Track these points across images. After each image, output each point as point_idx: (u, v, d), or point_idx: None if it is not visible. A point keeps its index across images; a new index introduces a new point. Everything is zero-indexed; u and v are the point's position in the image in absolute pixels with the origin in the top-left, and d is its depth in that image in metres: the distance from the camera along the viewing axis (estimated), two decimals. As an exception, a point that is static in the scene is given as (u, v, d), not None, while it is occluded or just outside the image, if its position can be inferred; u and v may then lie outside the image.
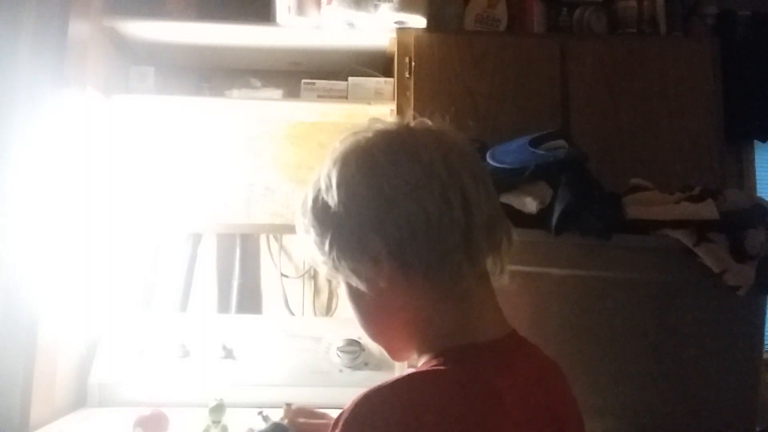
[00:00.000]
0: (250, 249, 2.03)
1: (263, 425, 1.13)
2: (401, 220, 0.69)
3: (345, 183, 0.72)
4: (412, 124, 0.80)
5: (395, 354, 0.80)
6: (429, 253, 0.69)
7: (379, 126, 0.79)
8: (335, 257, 0.73)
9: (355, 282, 0.74)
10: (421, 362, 0.74)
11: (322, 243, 0.74)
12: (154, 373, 1.60)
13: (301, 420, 1.12)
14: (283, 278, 2.02)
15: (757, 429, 1.38)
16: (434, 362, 0.69)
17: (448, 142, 0.78)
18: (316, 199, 0.75)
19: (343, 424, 0.61)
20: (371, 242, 0.70)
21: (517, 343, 0.76)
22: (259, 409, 1.23)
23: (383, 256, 0.70)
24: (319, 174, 0.77)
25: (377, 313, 0.76)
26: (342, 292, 0.82)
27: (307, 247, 0.78)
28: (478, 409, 0.61)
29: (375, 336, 0.79)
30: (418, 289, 0.72)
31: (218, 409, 1.31)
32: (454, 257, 0.70)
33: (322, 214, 0.74)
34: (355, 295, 0.77)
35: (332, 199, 0.72)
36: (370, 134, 0.78)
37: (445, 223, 0.69)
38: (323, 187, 0.74)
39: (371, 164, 0.72)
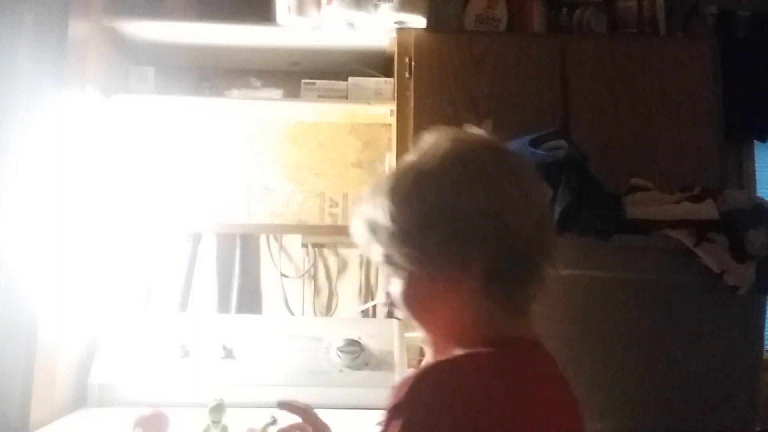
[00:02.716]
0: (250, 249, 2.03)
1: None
2: (503, 237, 0.74)
3: (464, 191, 0.75)
4: (499, 142, 0.84)
5: (430, 341, 0.83)
6: (519, 270, 0.76)
7: (481, 137, 0.84)
8: (423, 251, 0.76)
9: (429, 277, 0.77)
10: (457, 351, 0.78)
11: (413, 235, 0.76)
12: (154, 373, 1.60)
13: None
14: (283, 278, 2.02)
15: (757, 429, 1.38)
16: (480, 349, 0.74)
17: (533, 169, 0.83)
18: (419, 191, 0.77)
19: (410, 388, 0.67)
20: (469, 251, 0.74)
21: (542, 344, 0.81)
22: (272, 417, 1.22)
23: (475, 265, 0.75)
24: (426, 165, 0.78)
25: (437, 309, 0.79)
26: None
27: (368, 226, 0.81)
28: (522, 386, 0.71)
29: (424, 322, 0.82)
30: (487, 295, 0.76)
31: (218, 409, 1.30)
32: (538, 276, 0.77)
33: (426, 208, 0.76)
34: (419, 287, 0.79)
35: (445, 200, 0.75)
36: (481, 142, 0.82)
37: (536, 245, 0.76)
38: (434, 181, 0.77)
39: (489, 179, 0.76)
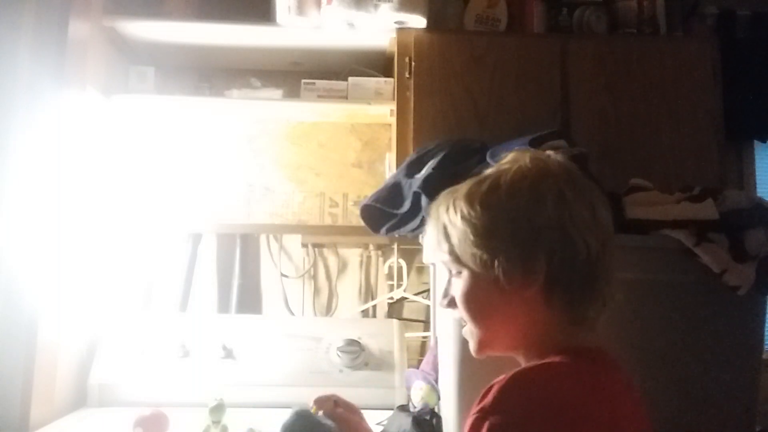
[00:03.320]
0: (250, 249, 2.03)
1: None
2: (569, 250, 0.79)
3: (536, 201, 0.80)
4: (574, 165, 0.88)
5: (485, 350, 0.87)
6: (581, 286, 0.80)
7: (558, 159, 0.87)
8: (492, 254, 0.80)
9: (494, 280, 0.81)
10: (523, 359, 0.84)
11: (484, 237, 0.81)
12: (154, 373, 1.60)
13: (339, 410, 1.14)
14: (283, 278, 2.02)
15: (757, 429, 1.38)
16: (552, 358, 0.77)
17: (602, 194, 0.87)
18: (496, 197, 0.82)
19: (499, 393, 0.71)
20: (535, 259, 0.79)
21: (607, 354, 0.84)
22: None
23: (539, 274, 0.79)
24: (504, 176, 0.84)
25: (498, 312, 0.83)
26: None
27: (440, 227, 0.86)
28: (604, 396, 0.75)
29: (480, 322, 0.85)
30: (547, 304, 0.80)
31: (218, 409, 1.30)
32: (599, 296, 0.81)
33: (499, 214, 0.81)
34: (481, 289, 0.83)
35: (517, 207, 0.80)
36: (562, 164, 0.85)
37: (599, 265, 0.80)
38: (510, 189, 0.82)
39: (561, 194, 0.80)
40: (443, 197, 0.89)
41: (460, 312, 0.86)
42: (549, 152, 0.88)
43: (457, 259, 0.84)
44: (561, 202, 0.80)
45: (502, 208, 0.81)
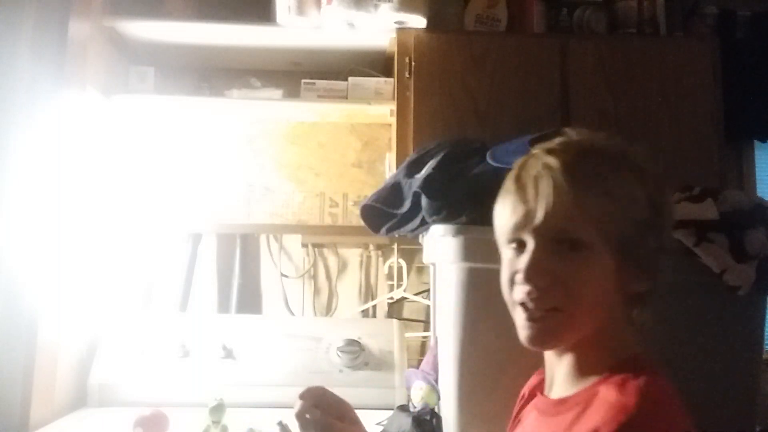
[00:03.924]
0: (250, 249, 2.03)
1: None
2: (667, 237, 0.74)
3: (666, 198, 0.76)
4: None
5: (563, 342, 0.75)
6: (654, 280, 0.74)
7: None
8: (637, 238, 0.72)
9: (617, 266, 0.71)
10: (594, 367, 0.73)
11: (656, 213, 0.73)
12: (154, 373, 1.60)
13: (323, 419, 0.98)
14: (283, 278, 2.02)
15: (757, 429, 1.38)
16: (630, 371, 0.70)
17: None
18: (654, 176, 0.74)
19: (631, 421, 0.63)
20: (663, 254, 0.74)
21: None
22: (279, 419, 1.19)
23: (658, 273, 0.73)
24: (631, 148, 0.76)
25: (601, 303, 0.73)
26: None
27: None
28: (682, 407, 0.68)
29: (582, 318, 0.72)
30: (624, 301, 0.74)
31: (218, 409, 1.31)
32: (654, 290, 0.75)
33: (649, 200, 0.73)
34: (603, 273, 0.71)
35: (659, 190, 0.74)
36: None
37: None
38: (651, 171, 0.75)
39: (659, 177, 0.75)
40: (567, 150, 0.75)
41: (567, 297, 0.71)
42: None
43: (595, 228, 0.69)
44: (664, 186, 0.75)
45: (650, 192, 0.72)
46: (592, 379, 0.72)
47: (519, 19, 1.84)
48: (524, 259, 0.72)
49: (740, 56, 2.03)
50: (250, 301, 2.00)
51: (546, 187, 0.71)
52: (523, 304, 0.73)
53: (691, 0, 2.02)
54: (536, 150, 0.77)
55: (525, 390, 0.92)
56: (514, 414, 0.92)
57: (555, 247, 0.71)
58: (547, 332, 0.73)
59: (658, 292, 0.76)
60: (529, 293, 0.72)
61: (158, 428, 1.32)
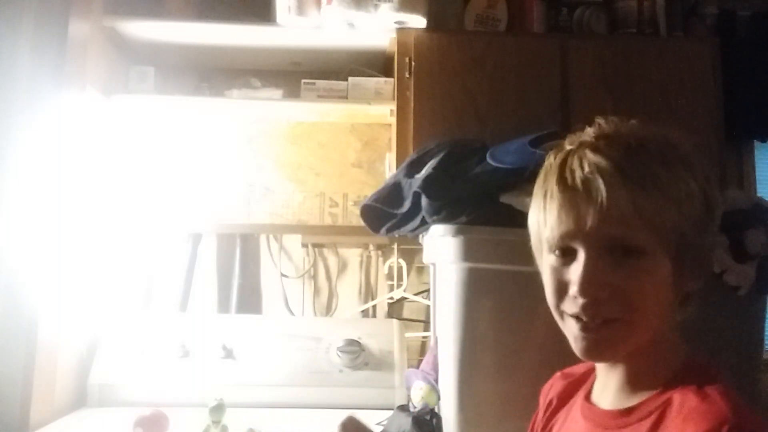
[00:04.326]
0: (250, 249, 2.03)
1: None
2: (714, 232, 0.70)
3: (711, 179, 0.70)
4: None
5: (628, 347, 0.69)
6: (702, 279, 0.70)
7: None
8: (694, 236, 0.67)
9: (678, 267, 0.67)
10: (651, 375, 0.70)
11: (709, 211, 0.68)
12: (154, 373, 1.60)
13: None
14: (283, 278, 2.02)
15: (758, 429, 1.38)
16: (698, 378, 0.66)
17: None
18: (702, 171, 0.69)
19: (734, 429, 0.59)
20: (715, 249, 0.71)
21: None
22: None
23: (710, 269, 0.69)
24: (680, 140, 0.72)
25: (664, 307, 0.68)
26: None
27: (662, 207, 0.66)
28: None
29: (647, 326, 0.68)
30: (678, 303, 0.70)
31: (218, 409, 1.31)
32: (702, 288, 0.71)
33: (701, 193, 0.68)
34: (664, 276, 0.66)
35: (709, 183, 0.69)
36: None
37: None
38: (699, 164, 0.70)
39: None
40: (611, 147, 0.68)
41: (631, 305, 0.66)
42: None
43: (654, 232, 0.64)
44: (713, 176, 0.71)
45: (701, 184, 0.67)
46: (653, 388, 0.68)
47: (519, 19, 1.84)
48: (577, 270, 0.67)
49: (740, 56, 2.03)
50: (250, 301, 2.00)
51: (598, 191, 0.65)
52: (576, 316, 0.68)
53: (691, 0, 2.02)
54: (573, 144, 0.71)
55: (552, 396, 0.86)
56: (542, 422, 0.87)
57: (609, 254, 0.66)
58: (604, 343, 0.68)
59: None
60: (584, 306, 0.67)
61: (158, 428, 1.32)
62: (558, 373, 0.84)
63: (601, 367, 0.76)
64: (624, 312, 0.66)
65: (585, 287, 0.66)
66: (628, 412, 0.69)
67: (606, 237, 0.65)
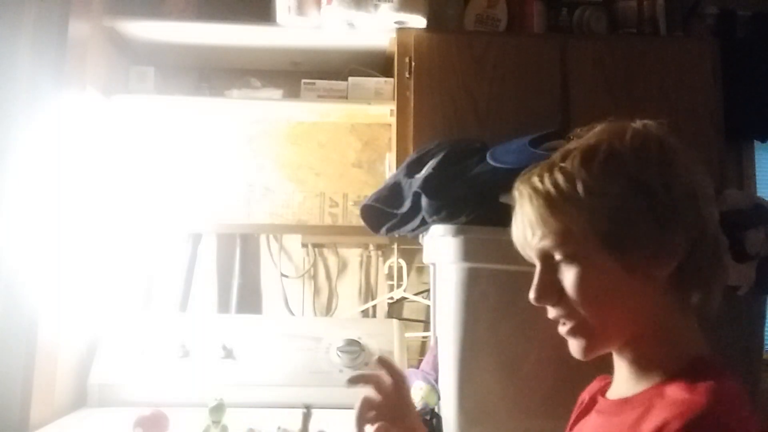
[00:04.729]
0: (250, 249, 2.03)
1: None
2: (701, 226, 0.71)
3: (669, 167, 0.71)
4: None
5: (600, 346, 0.74)
6: (709, 264, 0.72)
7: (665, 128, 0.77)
8: (624, 231, 0.69)
9: (620, 261, 0.70)
10: (654, 367, 0.72)
11: (616, 210, 0.69)
12: (154, 373, 1.60)
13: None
14: (283, 278, 2.02)
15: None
16: (698, 373, 0.68)
17: None
18: (620, 164, 0.71)
19: (701, 420, 0.61)
20: (677, 236, 0.69)
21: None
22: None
23: (679, 253, 0.69)
24: (620, 142, 0.73)
25: (621, 299, 0.72)
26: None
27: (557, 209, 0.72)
28: (752, 411, 0.67)
29: (601, 320, 0.72)
30: (675, 294, 0.72)
31: (218, 409, 1.30)
32: (719, 276, 0.73)
33: (630, 183, 0.70)
34: (604, 273, 0.71)
35: (650, 175, 0.70)
36: (668, 131, 0.76)
37: (718, 242, 0.73)
38: (637, 156, 0.71)
39: (688, 163, 0.73)
40: (537, 172, 0.75)
41: (575, 304, 0.72)
42: (647, 121, 0.77)
43: (571, 239, 0.70)
44: (689, 170, 0.71)
45: (631, 176, 0.70)
46: (654, 380, 0.71)
47: (519, 19, 1.84)
48: (534, 280, 0.75)
49: (740, 56, 2.03)
50: (250, 301, 2.00)
51: (524, 215, 0.75)
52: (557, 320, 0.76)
53: (691, 0, 2.02)
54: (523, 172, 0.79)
55: (585, 395, 0.89)
56: (572, 420, 0.89)
57: (554, 262, 0.73)
58: (579, 343, 0.74)
59: (721, 288, 0.74)
60: (550, 312, 0.75)
61: (158, 428, 1.32)
62: (603, 375, 0.86)
63: (615, 362, 0.78)
64: (577, 314, 0.72)
65: (535, 295, 0.75)
66: (627, 401, 0.73)
67: (542, 250, 0.74)
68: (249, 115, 2.01)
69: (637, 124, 0.75)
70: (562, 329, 0.75)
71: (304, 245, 2.04)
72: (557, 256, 0.73)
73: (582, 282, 0.71)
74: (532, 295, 0.75)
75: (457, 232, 1.29)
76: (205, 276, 1.99)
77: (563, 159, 0.74)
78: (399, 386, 0.95)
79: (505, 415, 1.27)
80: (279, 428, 1.27)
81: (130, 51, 1.89)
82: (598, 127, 0.76)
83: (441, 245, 1.34)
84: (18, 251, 1.38)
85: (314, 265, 2.04)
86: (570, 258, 0.72)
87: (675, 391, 0.66)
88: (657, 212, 0.69)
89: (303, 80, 1.83)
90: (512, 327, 1.27)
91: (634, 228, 0.69)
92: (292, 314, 1.99)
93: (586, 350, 0.74)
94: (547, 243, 0.73)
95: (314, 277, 2.04)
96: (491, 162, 1.35)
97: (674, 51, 1.76)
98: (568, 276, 0.72)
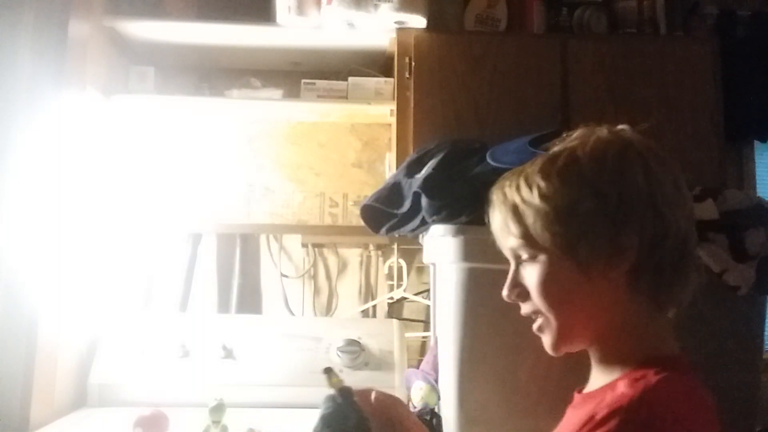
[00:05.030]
0: (250, 249, 2.03)
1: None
2: (660, 227, 0.73)
3: (623, 171, 0.74)
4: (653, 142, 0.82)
5: (565, 343, 0.79)
6: (670, 265, 0.74)
7: (637, 133, 0.80)
8: (577, 233, 0.73)
9: (576, 262, 0.74)
10: (617, 363, 0.76)
11: (568, 214, 0.74)
12: (154, 373, 1.60)
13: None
14: (283, 278, 2.02)
15: (757, 429, 1.38)
16: (652, 369, 0.71)
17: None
18: (576, 169, 0.75)
19: (624, 413, 0.65)
20: (625, 234, 0.72)
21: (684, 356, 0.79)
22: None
23: (631, 253, 0.72)
24: (582, 148, 0.77)
25: (579, 298, 0.76)
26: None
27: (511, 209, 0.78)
28: (700, 413, 0.70)
29: (561, 317, 0.77)
30: (633, 290, 0.74)
31: (218, 409, 1.30)
32: (689, 274, 0.75)
33: (582, 187, 0.74)
34: (561, 273, 0.76)
35: (603, 178, 0.74)
36: (639, 137, 0.79)
37: (687, 243, 0.75)
38: (593, 160, 0.75)
39: (648, 166, 0.75)
40: (509, 178, 0.81)
41: (536, 302, 0.78)
42: (622, 126, 0.81)
43: (531, 242, 0.76)
44: (649, 173, 0.74)
45: (585, 181, 0.74)
46: (614, 375, 0.75)
47: (519, 19, 1.84)
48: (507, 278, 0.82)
49: (740, 56, 2.03)
50: (250, 301, 2.00)
51: (494, 220, 0.83)
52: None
53: (691, 0, 2.02)
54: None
55: (575, 393, 0.91)
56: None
57: (520, 262, 0.80)
58: (548, 340, 0.79)
59: (687, 287, 0.76)
60: (522, 309, 0.81)
61: (158, 428, 1.32)
62: None
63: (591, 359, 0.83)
64: (538, 310, 0.78)
65: (506, 293, 0.82)
66: (590, 395, 0.78)
67: (510, 250, 0.81)
68: (249, 115, 2.01)
69: (604, 130, 0.79)
70: (534, 326, 0.80)
71: (304, 245, 2.04)
72: (523, 257, 0.79)
73: (541, 283, 0.76)
74: (504, 292, 0.81)
75: (457, 232, 1.29)
76: (205, 276, 1.99)
77: (531, 165, 0.80)
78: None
79: (505, 415, 1.27)
80: (249, 429, 1.28)
81: (130, 51, 1.89)
82: (574, 133, 0.81)
83: (441, 245, 1.34)
84: (18, 251, 1.38)
85: (314, 265, 2.04)
86: (531, 260, 0.77)
87: (621, 385, 0.70)
88: (610, 216, 0.72)
89: (303, 80, 1.83)
90: (512, 327, 1.26)
91: (587, 231, 0.73)
92: (292, 314, 1.99)
93: (553, 347, 0.79)
94: (513, 245, 0.79)
95: (314, 277, 2.04)
96: (491, 162, 1.35)
97: (674, 51, 1.76)
98: (530, 277, 0.78)
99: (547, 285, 0.76)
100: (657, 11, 1.86)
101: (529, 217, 0.76)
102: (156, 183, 1.97)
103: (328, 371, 1.00)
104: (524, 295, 0.79)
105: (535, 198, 0.76)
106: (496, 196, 0.82)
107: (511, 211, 0.78)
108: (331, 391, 1.00)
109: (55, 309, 1.46)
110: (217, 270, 2.01)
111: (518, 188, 0.78)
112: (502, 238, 0.81)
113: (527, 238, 0.77)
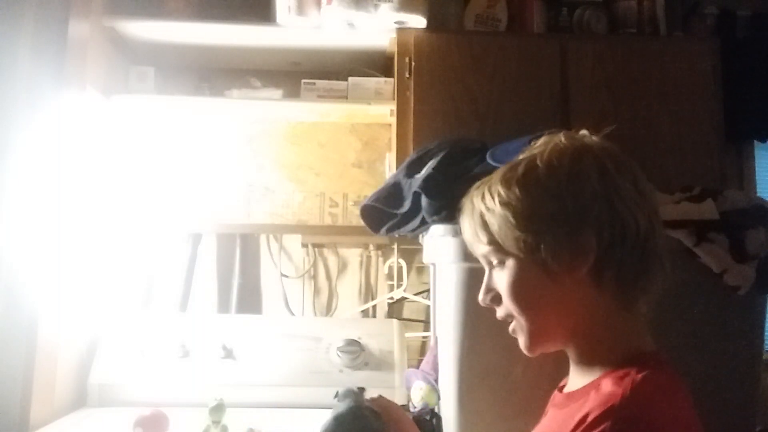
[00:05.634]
0: (250, 249, 2.03)
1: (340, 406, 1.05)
2: (618, 226, 0.75)
3: (578, 175, 0.77)
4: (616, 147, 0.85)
5: (538, 343, 0.82)
6: (631, 262, 0.76)
7: (599, 139, 0.84)
8: (538, 237, 0.76)
9: (541, 264, 0.77)
10: (596, 362, 0.78)
11: (527, 219, 0.77)
12: (154, 373, 1.60)
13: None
14: (283, 278, 2.02)
15: (757, 429, 1.38)
16: (634, 367, 0.73)
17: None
18: (534, 176, 0.79)
19: (617, 412, 0.67)
20: (582, 233, 0.75)
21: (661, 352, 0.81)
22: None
23: (590, 253, 0.75)
24: (541, 155, 0.80)
25: (547, 299, 0.79)
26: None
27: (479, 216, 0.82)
28: (684, 406, 0.73)
29: (531, 319, 0.80)
30: (598, 289, 0.77)
31: (218, 409, 1.30)
32: (649, 271, 0.77)
33: (540, 193, 0.78)
34: (528, 276, 0.79)
35: (559, 184, 0.77)
36: (598, 141, 0.83)
37: (648, 241, 0.77)
38: (549, 167, 0.78)
39: (604, 169, 0.78)
40: (475, 188, 0.85)
41: (507, 305, 0.81)
42: (583, 131, 0.85)
43: (499, 247, 0.80)
44: (604, 175, 0.77)
45: (542, 187, 0.77)
46: (595, 374, 0.77)
47: (519, 19, 1.84)
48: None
49: (740, 56, 2.02)
50: (250, 301, 2.00)
51: (465, 228, 0.86)
52: None
53: (691, 0, 2.02)
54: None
55: (555, 391, 0.94)
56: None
57: (492, 267, 0.84)
58: (522, 341, 0.82)
59: (652, 283, 0.78)
60: (497, 312, 0.84)
61: (158, 428, 1.32)
62: None
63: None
64: (510, 312, 0.81)
65: (481, 297, 0.85)
66: (572, 394, 0.79)
67: (482, 256, 0.84)
68: (249, 115, 2.01)
69: (563, 137, 0.82)
70: (509, 328, 0.84)
71: (304, 245, 2.04)
72: (494, 263, 0.82)
73: (510, 286, 0.80)
74: (479, 297, 0.85)
75: (457, 232, 1.28)
76: (205, 276, 1.99)
77: (496, 174, 0.83)
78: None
79: (505, 415, 1.27)
80: (249, 429, 1.28)
81: (130, 51, 1.89)
82: (539, 141, 0.84)
83: (441, 245, 1.34)
84: (18, 251, 1.38)
85: (314, 265, 2.04)
86: (501, 265, 0.81)
87: (606, 384, 0.72)
88: (567, 218, 0.76)
89: (303, 80, 1.83)
90: (512, 327, 1.27)
91: (547, 234, 0.76)
92: (292, 314, 1.99)
93: (528, 348, 0.82)
94: (483, 251, 0.83)
95: (314, 277, 2.04)
96: (491, 162, 1.35)
97: (674, 51, 1.76)
98: (500, 281, 0.82)
99: (516, 288, 0.80)
100: (657, 11, 1.86)
101: (494, 225, 0.80)
102: (156, 183, 1.97)
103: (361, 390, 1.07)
104: (498, 299, 0.83)
105: (497, 206, 0.79)
106: (465, 206, 0.86)
107: (479, 219, 0.82)
108: (341, 390, 1.03)
109: (55, 309, 1.46)
110: (217, 270, 2.01)
111: (483, 197, 0.82)
112: (473, 245, 0.85)
113: (494, 244, 0.80)
